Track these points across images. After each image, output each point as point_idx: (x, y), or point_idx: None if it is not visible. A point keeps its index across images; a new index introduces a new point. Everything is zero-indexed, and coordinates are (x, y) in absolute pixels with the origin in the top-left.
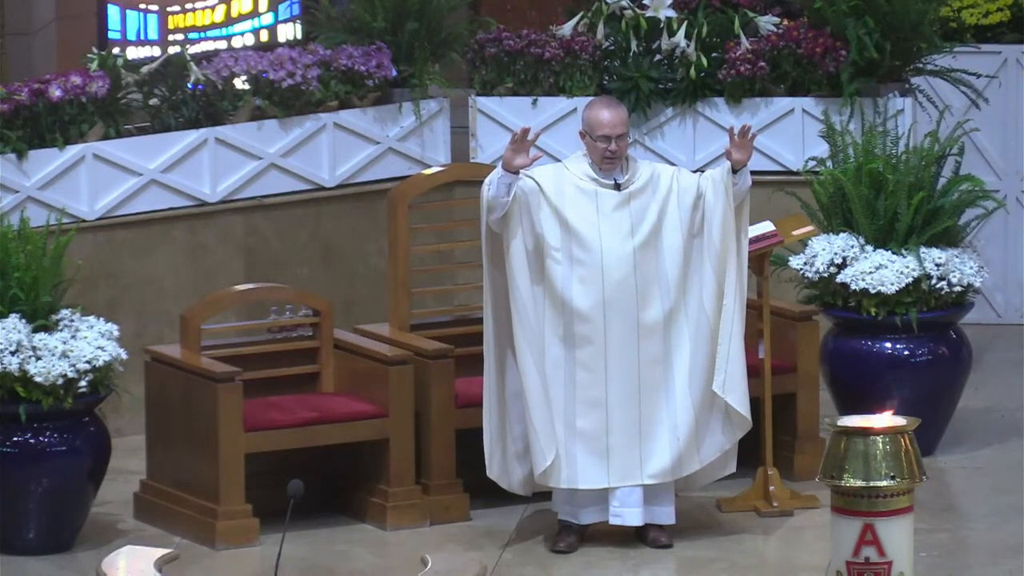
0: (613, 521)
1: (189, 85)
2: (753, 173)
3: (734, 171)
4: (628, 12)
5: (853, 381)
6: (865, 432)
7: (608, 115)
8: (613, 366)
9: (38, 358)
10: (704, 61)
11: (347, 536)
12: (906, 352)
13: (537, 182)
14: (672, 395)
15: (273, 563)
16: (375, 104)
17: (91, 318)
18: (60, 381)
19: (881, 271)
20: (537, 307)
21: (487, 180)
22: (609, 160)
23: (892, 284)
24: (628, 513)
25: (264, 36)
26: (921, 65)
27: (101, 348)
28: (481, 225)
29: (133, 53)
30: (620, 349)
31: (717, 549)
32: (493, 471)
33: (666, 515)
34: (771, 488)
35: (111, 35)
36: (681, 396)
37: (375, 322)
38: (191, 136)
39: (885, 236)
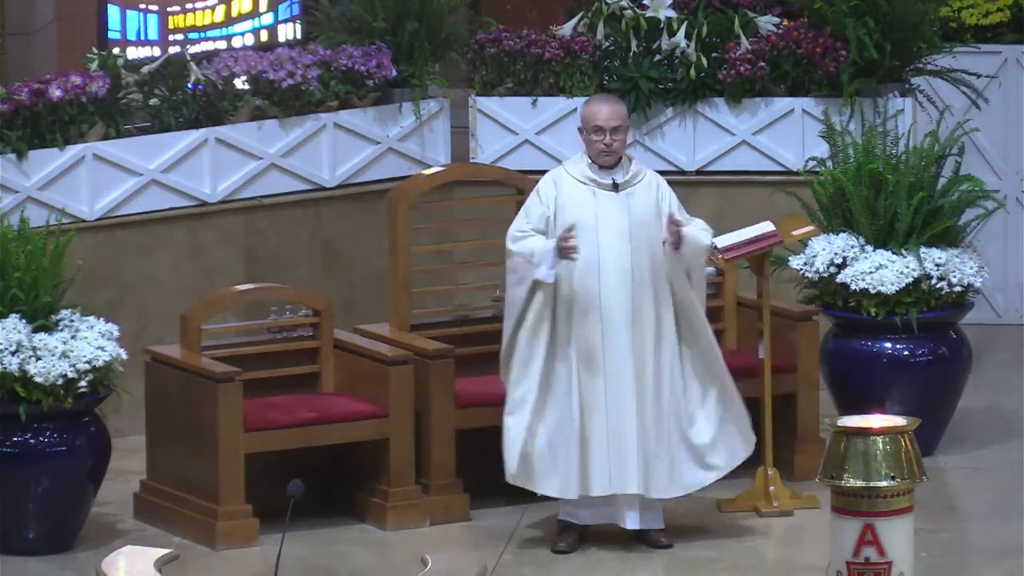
0: (611, 522)
1: (189, 85)
2: (753, 173)
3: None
4: (628, 12)
5: (853, 381)
6: (865, 432)
7: (601, 108)
8: (611, 372)
9: (38, 358)
10: (704, 61)
11: (347, 536)
12: (906, 352)
13: (542, 198)
14: (661, 410)
15: (273, 563)
16: (375, 104)
17: (91, 318)
18: (60, 381)
19: (881, 271)
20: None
21: (530, 253)
22: (605, 155)
23: (892, 284)
24: (627, 516)
25: (264, 36)
26: (921, 65)
27: (101, 348)
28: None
29: (133, 53)
30: (617, 356)
31: (717, 549)
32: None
33: (656, 521)
34: (771, 488)
35: (111, 35)
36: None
37: (375, 322)
38: (191, 136)
39: (885, 236)
